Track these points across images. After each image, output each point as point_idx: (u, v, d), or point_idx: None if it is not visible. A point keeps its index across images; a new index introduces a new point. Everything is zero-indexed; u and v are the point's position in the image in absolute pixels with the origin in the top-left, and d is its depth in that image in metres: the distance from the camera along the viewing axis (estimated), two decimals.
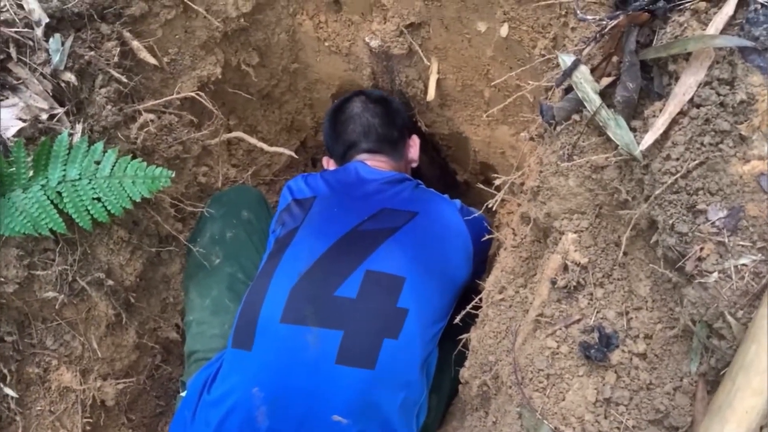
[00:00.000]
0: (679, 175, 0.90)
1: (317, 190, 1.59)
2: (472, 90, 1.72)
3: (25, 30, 1.25)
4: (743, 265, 0.86)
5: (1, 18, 1.23)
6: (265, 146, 1.68)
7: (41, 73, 1.25)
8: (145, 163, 1.32)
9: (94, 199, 1.26)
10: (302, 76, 1.91)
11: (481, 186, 1.58)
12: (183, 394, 1.49)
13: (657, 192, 0.92)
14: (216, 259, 1.55)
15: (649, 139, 0.94)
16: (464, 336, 1.41)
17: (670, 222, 0.91)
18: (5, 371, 1.30)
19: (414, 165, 1.82)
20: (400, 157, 1.76)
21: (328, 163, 1.80)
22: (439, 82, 1.73)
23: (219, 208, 1.62)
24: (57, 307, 1.33)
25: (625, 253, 1.05)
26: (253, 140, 1.67)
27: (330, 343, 1.33)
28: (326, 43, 1.80)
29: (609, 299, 1.06)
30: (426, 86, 1.76)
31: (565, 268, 1.09)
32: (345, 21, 1.74)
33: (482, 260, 1.64)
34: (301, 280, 1.41)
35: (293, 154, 1.73)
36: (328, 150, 1.80)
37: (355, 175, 1.61)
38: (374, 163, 1.67)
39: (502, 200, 1.57)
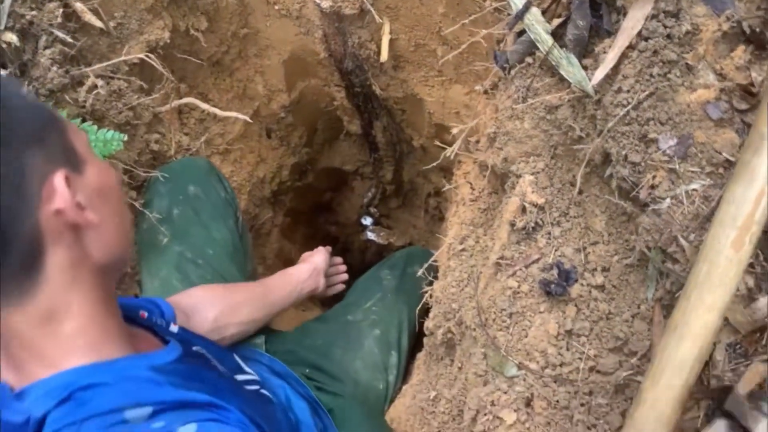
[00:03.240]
0: (630, 106, 0.92)
1: None
2: (425, 50, 1.73)
3: None
4: (693, 190, 0.90)
5: None
6: (218, 111, 1.65)
7: None
8: (95, 127, 1.28)
9: None
10: (252, 41, 1.88)
11: (439, 144, 1.59)
12: None
13: (609, 125, 0.95)
14: (164, 238, 1.47)
15: (600, 73, 0.96)
16: (427, 289, 1.42)
17: (623, 153, 0.94)
18: None
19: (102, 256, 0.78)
20: (37, 271, 0.71)
21: None
22: (391, 42, 1.73)
23: (165, 184, 1.51)
24: None
25: (580, 192, 1.08)
26: (205, 105, 1.64)
27: None
28: (276, 7, 1.78)
29: (566, 237, 1.09)
30: (379, 48, 1.76)
31: (523, 210, 1.12)
32: None
33: None
34: None
35: (247, 118, 1.70)
36: None
37: None
38: (9, 362, 0.76)
39: (459, 161, 1.59)
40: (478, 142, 1.37)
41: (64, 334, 0.74)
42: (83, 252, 0.74)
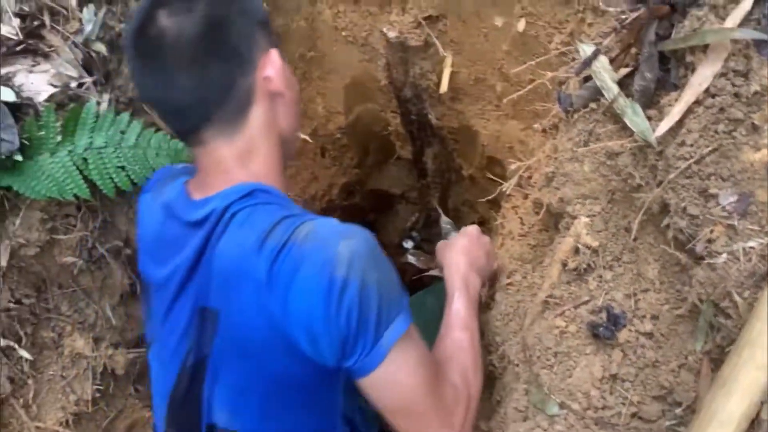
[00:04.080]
0: (692, 160, 0.94)
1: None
2: (484, 84, 1.77)
3: None
4: (751, 247, 0.91)
5: None
6: None
7: (73, 42, 1.29)
8: (168, 136, 1.35)
9: (118, 167, 1.30)
10: (318, 64, 1.95)
11: (491, 176, 1.62)
12: None
13: (670, 176, 0.97)
14: None
15: (664, 126, 0.98)
16: None
17: (682, 205, 0.96)
18: (21, 333, 1.33)
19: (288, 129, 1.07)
20: (245, 117, 1.00)
21: None
22: (452, 75, 1.77)
23: None
24: (75, 273, 1.36)
25: (635, 238, 1.10)
26: None
27: None
28: (343, 33, 1.84)
29: (618, 281, 1.10)
30: (439, 79, 1.80)
31: (577, 251, 1.14)
32: (363, 11, 1.78)
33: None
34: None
35: (306, 138, 1.77)
36: None
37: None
38: (197, 184, 1.05)
39: (509, 194, 1.62)
40: (530, 178, 1.40)
41: (252, 168, 1.01)
42: (275, 118, 1.02)
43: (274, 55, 1.00)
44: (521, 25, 1.48)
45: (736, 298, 0.90)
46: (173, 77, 0.93)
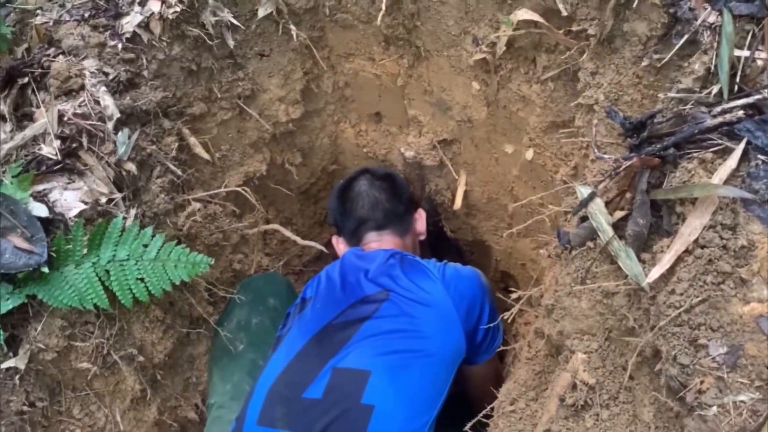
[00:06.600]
0: (682, 309, 0.96)
1: (317, 288, 1.60)
2: (496, 203, 1.82)
3: (98, 123, 1.39)
4: (741, 401, 0.91)
5: (80, 111, 1.38)
6: (298, 239, 1.78)
7: (106, 162, 1.39)
8: (188, 249, 1.42)
9: (138, 279, 1.36)
10: (339, 176, 2.04)
11: (500, 296, 1.64)
12: None
13: (661, 323, 0.98)
14: (240, 345, 1.61)
15: (655, 272, 1.01)
16: None
17: (673, 353, 0.97)
18: None
19: (422, 237, 1.83)
20: (406, 231, 1.77)
21: (338, 242, 1.80)
22: (466, 193, 1.84)
23: (247, 294, 1.68)
24: (89, 377, 1.40)
25: (631, 377, 1.10)
26: (288, 233, 1.78)
27: None
28: (364, 149, 1.94)
29: (614, 421, 1.10)
30: (454, 196, 1.87)
31: (574, 386, 1.14)
32: (384, 131, 1.88)
33: (484, 325, 1.54)
34: (276, 381, 1.42)
35: (323, 248, 1.83)
36: (337, 229, 1.81)
37: (343, 265, 1.62)
38: (375, 244, 1.69)
39: (520, 311, 1.64)
40: (541, 296, 1.42)
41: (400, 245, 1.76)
42: (415, 235, 1.82)
43: (420, 213, 1.83)
44: (529, 154, 1.55)
45: None
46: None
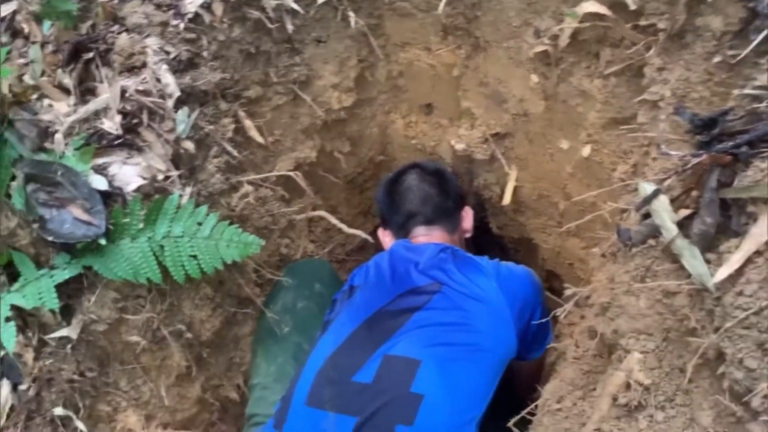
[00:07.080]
0: (751, 311, 0.93)
1: (365, 276, 1.61)
2: (547, 200, 1.80)
3: (159, 100, 1.41)
4: None
5: (141, 88, 1.40)
6: (344, 227, 1.78)
7: (165, 139, 1.41)
8: (240, 230, 1.43)
9: (191, 256, 1.38)
10: (386, 167, 2.04)
11: (548, 294, 1.62)
12: None
13: (728, 325, 0.95)
14: (285, 328, 1.62)
15: (723, 273, 0.98)
16: None
17: (739, 356, 0.94)
18: (80, 405, 1.39)
19: (468, 235, 1.82)
20: (455, 228, 1.75)
21: (384, 235, 1.79)
22: (516, 189, 1.82)
23: (293, 278, 1.69)
24: (137, 351, 1.42)
25: (690, 380, 1.07)
26: (334, 220, 1.78)
27: (344, 430, 1.33)
28: (413, 141, 1.93)
29: (669, 424, 1.07)
30: (503, 191, 1.85)
31: (628, 386, 1.12)
32: (434, 123, 1.87)
33: (535, 324, 1.54)
34: (326, 363, 1.42)
35: (368, 237, 1.83)
36: (384, 221, 1.80)
37: (392, 256, 1.62)
38: (424, 238, 1.69)
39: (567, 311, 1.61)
40: (588, 298, 1.40)
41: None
42: (462, 232, 1.79)
43: (468, 210, 1.81)
44: (586, 151, 1.52)
45: None
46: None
